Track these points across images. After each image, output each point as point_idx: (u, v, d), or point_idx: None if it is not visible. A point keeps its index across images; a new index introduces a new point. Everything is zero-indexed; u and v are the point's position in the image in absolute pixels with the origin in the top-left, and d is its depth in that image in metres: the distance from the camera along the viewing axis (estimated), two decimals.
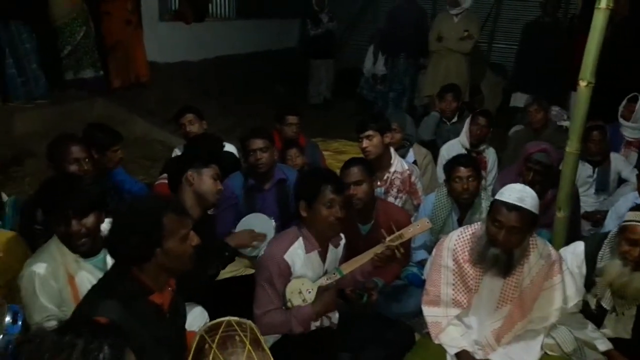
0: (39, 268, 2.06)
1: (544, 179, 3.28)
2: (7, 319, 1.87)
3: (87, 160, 2.82)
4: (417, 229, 2.53)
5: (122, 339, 1.20)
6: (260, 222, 2.98)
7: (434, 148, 4.55)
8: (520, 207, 2.17)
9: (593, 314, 2.51)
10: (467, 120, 4.39)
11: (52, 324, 2.02)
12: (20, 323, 1.89)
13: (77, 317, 1.67)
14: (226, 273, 2.86)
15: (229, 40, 8.04)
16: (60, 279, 2.08)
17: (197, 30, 7.45)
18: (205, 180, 2.62)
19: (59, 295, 2.08)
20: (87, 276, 2.10)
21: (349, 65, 8.87)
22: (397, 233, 2.49)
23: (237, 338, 1.94)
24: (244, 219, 3.05)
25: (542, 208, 2.33)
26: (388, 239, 2.48)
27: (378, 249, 2.49)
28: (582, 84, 2.61)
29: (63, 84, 5.85)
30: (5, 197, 2.97)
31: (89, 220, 2.09)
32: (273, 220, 3.00)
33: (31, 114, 5.21)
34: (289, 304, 2.40)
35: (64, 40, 5.71)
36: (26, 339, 1.16)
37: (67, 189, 2.11)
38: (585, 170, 4.10)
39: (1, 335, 1.83)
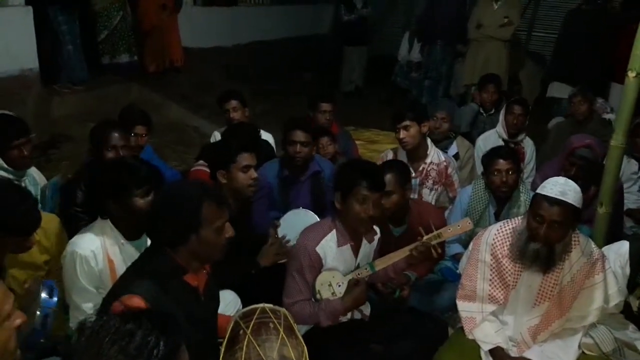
0: (81, 249, 2.10)
1: (587, 175, 3.16)
2: (43, 294, 1.91)
3: (124, 147, 2.83)
4: (457, 229, 2.42)
5: (180, 335, 1.18)
6: (305, 219, 2.85)
7: (469, 140, 4.43)
8: (563, 201, 2.09)
9: (634, 316, 2.44)
10: (502, 111, 4.28)
11: (90, 305, 2.08)
12: (55, 298, 1.92)
13: (112, 295, 1.69)
14: None
15: (262, 26, 8.04)
16: (101, 261, 2.12)
17: (230, 15, 7.47)
18: (235, 175, 2.60)
19: (98, 277, 2.11)
20: (128, 259, 2.12)
21: (383, 52, 8.75)
22: (435, 232, 2.40)
23: (271, 325, 1.93)
24: (288, 214, 2.96)
25: (584, 203, 2.25)
26: (425, 237, 2.40)
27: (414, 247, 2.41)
28: (631, 74, 2.50)
29: (100, 69, 5.93)
30: (44, 180, 3.03)
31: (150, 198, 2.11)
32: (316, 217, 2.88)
33: (69, 98, 5.32)
34: (317, 296, 2.38)
35: (101, 24, 5.80)
36: (88, 320, 1.15)
37: (133, 169, 2.14)
38: (631, 166, 3.96)
39: (38, 312, 1.87)
